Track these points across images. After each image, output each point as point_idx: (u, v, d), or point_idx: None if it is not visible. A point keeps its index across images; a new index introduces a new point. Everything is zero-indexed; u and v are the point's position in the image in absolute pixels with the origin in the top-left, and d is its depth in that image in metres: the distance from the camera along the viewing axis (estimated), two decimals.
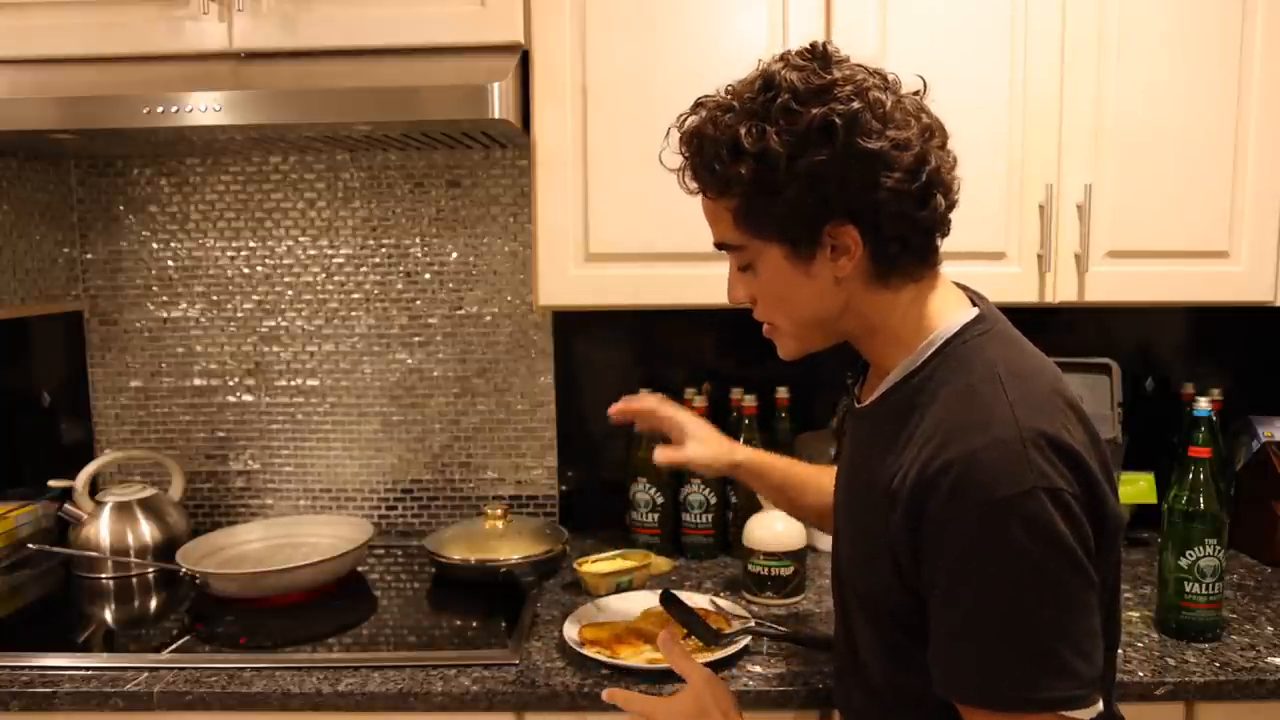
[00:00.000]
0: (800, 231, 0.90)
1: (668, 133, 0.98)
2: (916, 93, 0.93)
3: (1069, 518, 0.80)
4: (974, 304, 0.97)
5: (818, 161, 0.86)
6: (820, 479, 1.29)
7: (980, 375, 0.87)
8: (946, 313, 0.94)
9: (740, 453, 1.33)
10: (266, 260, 1.93)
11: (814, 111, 0.86)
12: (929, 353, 0.92)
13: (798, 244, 0.91)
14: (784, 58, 0.91)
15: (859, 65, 0.91)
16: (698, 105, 0.94)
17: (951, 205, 0.93)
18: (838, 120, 0.85)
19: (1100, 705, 0.82)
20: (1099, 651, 0.83)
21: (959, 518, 0.81)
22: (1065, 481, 0.81)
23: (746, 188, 0.89)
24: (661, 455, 1.29)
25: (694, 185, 0.95)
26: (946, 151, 0.92)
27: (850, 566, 1.01)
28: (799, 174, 0.86)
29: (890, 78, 0.92)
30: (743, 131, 0.87)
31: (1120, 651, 1.34)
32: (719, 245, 0.97)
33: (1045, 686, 0.80)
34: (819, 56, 0.89)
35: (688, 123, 0.94)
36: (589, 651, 1.33)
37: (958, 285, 1.00)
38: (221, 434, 1.97)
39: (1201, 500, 1.34)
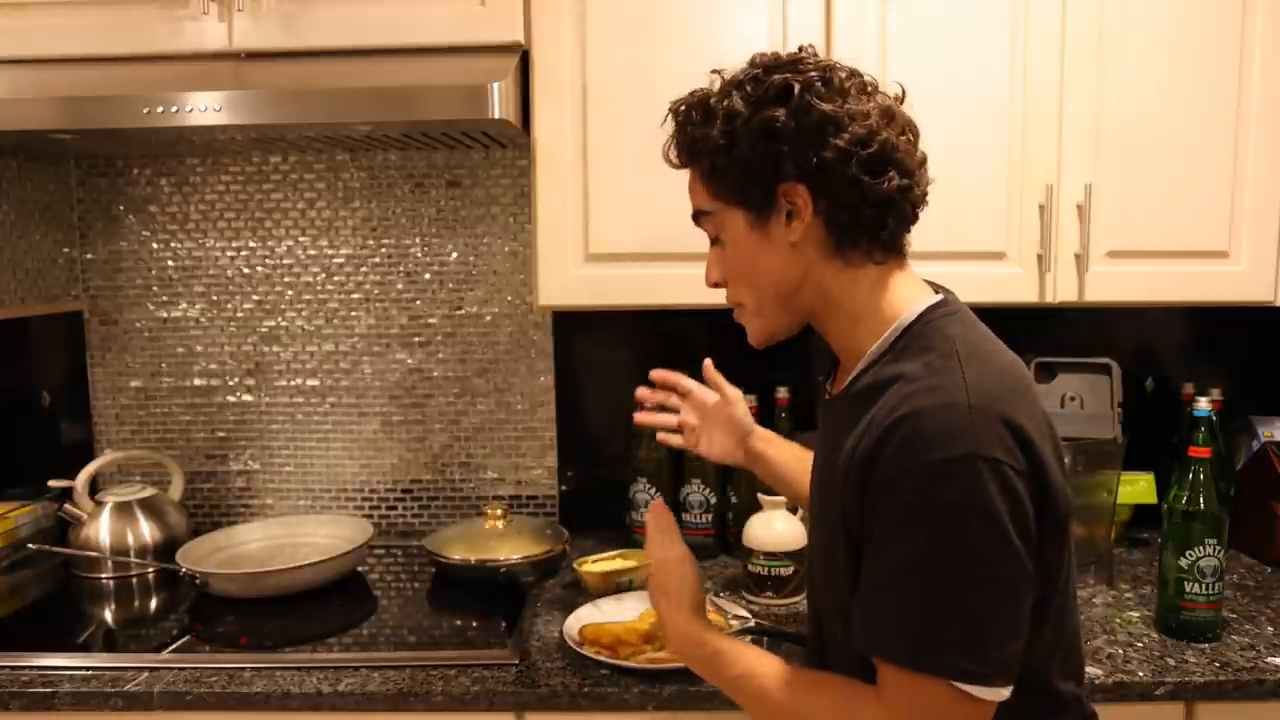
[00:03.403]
0: (756, 191, 0.94)
1: (664, 120, 1.01)
2: (896, 97, 0.98)
3: (1006, 492, 0.81)
4: (937, 291, 0.99)
5: (773, 117, 0.91)
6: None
7: (938, 351, 0.90)
8: (910, 299, 0.96)
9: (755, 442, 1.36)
10: (266, 260, 1.93)
11: (776, 78, 0.92)
12: (894, 336, 0.94)
13: (756, 206, 0.95)
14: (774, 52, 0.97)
15: (840, 62, 0.96)
16: (691, 94, 0.99)
17: (909, 190, 0.94)
18: (796, 84, 0.91)
19: (1006, 692, 0.83)
20: (1014, 640, 0.83)
21: (898, 475, 0.83)
22: (1007, 455, 0.82)
23: (712, 147, 0.94)
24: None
25: (674, 156, 1.01)
26: (911, 144, 0.96)
27: (818, 553, 1.02)
28: (755, 130, 0.92)
29: (868, 76, 0.96)
30: (713, 99, 0.95)
31: (1120, 651, 1.34)
32: (695, 215, 1.01)
33: (945, 652, 0.81)
34: (801, 50, 0.97)
35: (681, 102, 1.00)
36: (589, 651, 1.33)
37: (926, 281, 1.01)
38: (221, 434, 1.97)
39: (1201, 500, 1.34)
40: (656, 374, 1.41)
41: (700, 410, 1.39)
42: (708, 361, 1.38)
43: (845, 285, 0.96)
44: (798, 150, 0.91)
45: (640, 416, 1.42)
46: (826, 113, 0.90)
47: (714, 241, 1.02)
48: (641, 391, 1.42)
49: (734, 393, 1.37)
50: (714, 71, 0.98)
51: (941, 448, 0.81)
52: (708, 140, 0.94)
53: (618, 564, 1.62)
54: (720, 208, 0.97)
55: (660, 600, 1.08)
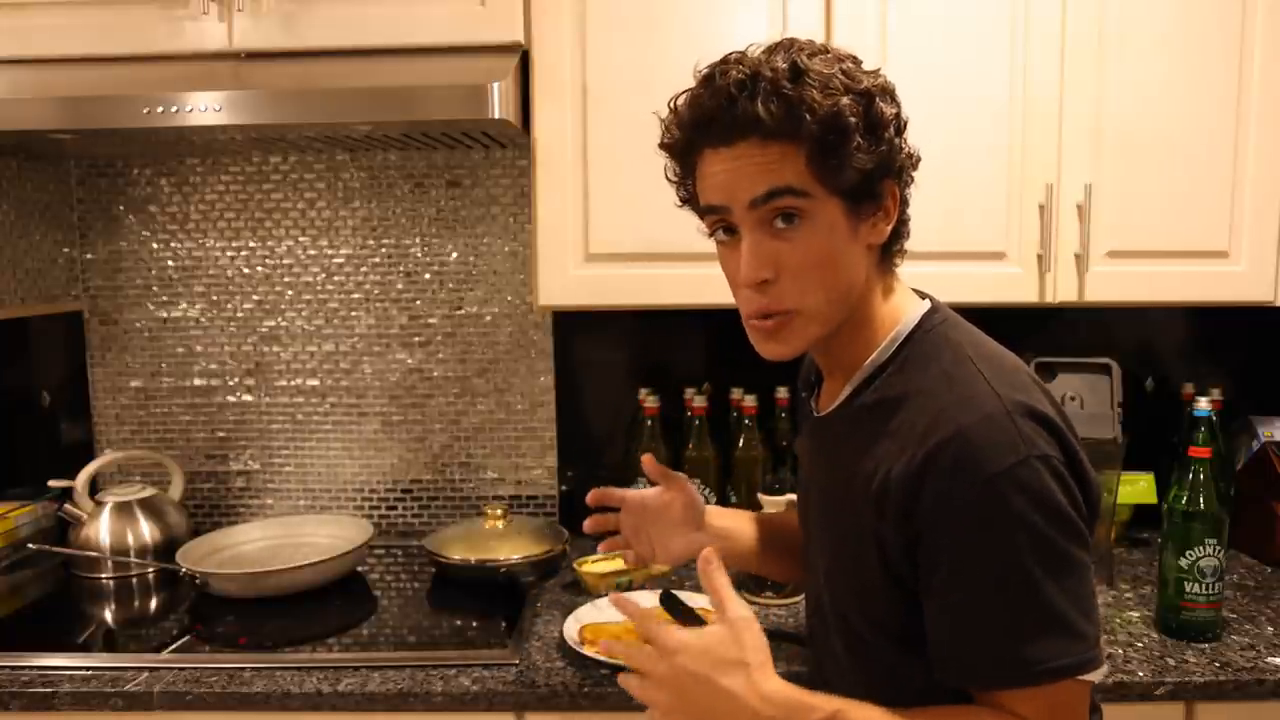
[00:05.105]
0: (869, 185, 0.87)
1: (727, 79, 0.85)
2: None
3: (1062, 484, 0.81)
4: (922, 298, 0.98)
5: (895, 114, 0.89)
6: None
7: (951, 359, 0.89)
8: (904, 307, 0.95)
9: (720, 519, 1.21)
10: (266, 260, 1.93)
11: (864, 66, 0.89)
12: (894, 347, 0.93)
13: (859, 198, 0.87)
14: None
15: None
16: (726, 59, 0.87)
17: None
18: (883, 77, 0.89)
19: (1106, 665, 0.83)
20: (1098, 612, 0.84)
21: (959, 496, 0.81)
22: (1052, 448, 0.82)
23: (839, 125, 0.83)
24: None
25: (767, 118, 0.83)
26: None
27: (831, 577, 0.97)
28: (889, 121, 0.88)
29: None
30: (837, 69, 0.85)
31: (1120, 651, 1.34)
32: (769, 195, 0.85)
33: (1058, 654, 0.80)
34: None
35: (732, 67, 0.85)
36: (589, 651, 1.33)
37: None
38: (221, 434, 1.97)
39: (1201, 500, 1.34)
40: (592, 495, 1.22)
41: (638, 514, 1.19)
42: (646, 456, 1.18)
43: (871, 296, 0.93)
44: (898, 146, 0.89)
45: (604, 546, 1.24)
46: (899, 113, 0.90)
47: (730, 230, 0.90)
48: (589, 523, 1.24)
49: (677, 476, 1.18)
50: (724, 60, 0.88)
51: (997, 460, 0.80)
52: (832, 118, 0.83)
53: (618, 564, 1.61)
54: (818, 191, 0.85)
55: (732, 676, 0.84)
